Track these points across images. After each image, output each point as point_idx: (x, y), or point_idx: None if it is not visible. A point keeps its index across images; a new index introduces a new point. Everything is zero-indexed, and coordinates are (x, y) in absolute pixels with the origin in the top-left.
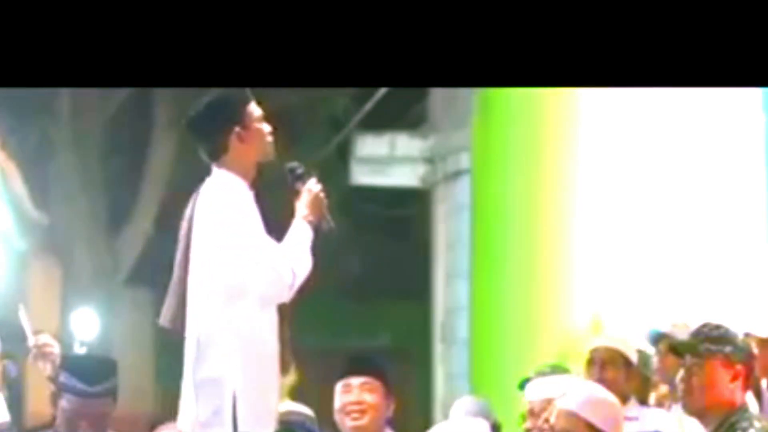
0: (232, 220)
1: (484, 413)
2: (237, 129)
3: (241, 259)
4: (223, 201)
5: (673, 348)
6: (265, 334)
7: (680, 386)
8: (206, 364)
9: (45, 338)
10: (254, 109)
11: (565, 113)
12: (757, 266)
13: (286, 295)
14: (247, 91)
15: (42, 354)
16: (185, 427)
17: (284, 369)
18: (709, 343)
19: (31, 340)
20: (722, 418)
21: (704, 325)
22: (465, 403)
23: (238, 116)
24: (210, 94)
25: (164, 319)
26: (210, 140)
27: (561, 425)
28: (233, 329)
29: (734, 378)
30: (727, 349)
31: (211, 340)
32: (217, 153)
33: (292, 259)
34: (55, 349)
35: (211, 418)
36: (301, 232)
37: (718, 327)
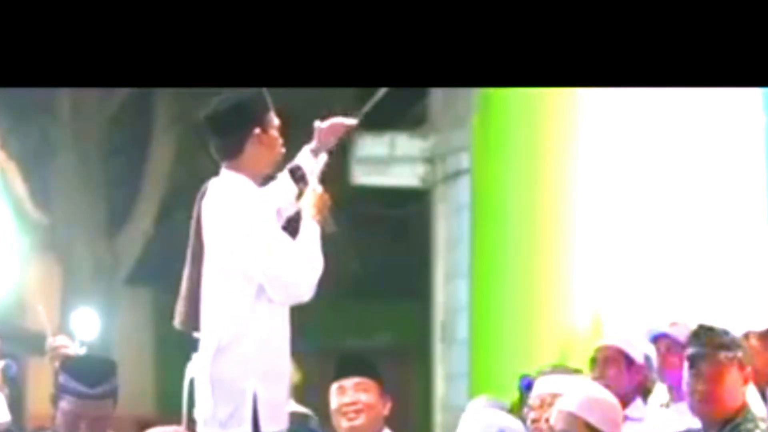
0: (254, 220)
1: None
2: (257, 131)
3: (266, 259)
4: (242, 201)
5: (691, 359)
6: (282, 333)
7: (696, 396)
8: (227, 365)
9: (62, 339)
10: (274, 117)
11: (565, 113)
12: (757, 266)
13: (310, 294)
14: (268, 97)
15: (58, 354)
16: (198, 425)
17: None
18: (726, 351)
19: (50, 341)
20: (726, 420)
21: (712, 332)
22: (481, 403)
23: (261, 119)
24: (233, 93)
25: (179, 321)
26: (228, 137)
27: (560, 426)
28: (255, 330)
29: (746, 381)
30: (740, 353)
31: (232, 341)
32: (232, 152)
33: (311, 258)
34: (71, 349)
35: (229, 417)
36: (313, 232)
37: (725, 332)
